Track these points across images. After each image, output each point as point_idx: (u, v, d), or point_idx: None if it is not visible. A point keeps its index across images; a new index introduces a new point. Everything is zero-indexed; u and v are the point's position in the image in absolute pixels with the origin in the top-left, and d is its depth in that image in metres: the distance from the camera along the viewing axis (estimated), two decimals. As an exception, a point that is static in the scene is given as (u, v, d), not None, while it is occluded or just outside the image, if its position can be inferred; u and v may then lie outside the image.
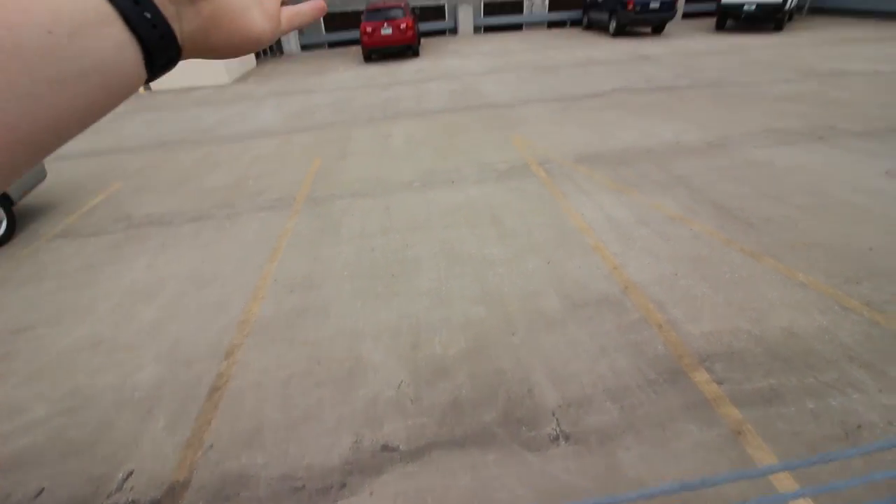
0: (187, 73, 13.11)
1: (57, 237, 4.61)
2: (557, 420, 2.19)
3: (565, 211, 4.13)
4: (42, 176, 5.17)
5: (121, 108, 11.15)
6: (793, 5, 12.75)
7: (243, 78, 13.86)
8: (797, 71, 8.39)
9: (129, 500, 1.99)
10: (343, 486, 1.96)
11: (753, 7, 12.78)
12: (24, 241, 4.60)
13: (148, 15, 0.30)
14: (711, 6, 16.22)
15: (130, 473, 2.11)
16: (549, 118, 6.92)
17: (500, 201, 4.42)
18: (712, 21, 15.51)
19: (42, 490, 2.08)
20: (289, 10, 0.41)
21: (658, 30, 14.57)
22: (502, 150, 5.75)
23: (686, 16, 17.56)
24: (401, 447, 2.11)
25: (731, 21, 14.31)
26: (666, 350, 2.54)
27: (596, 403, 2.26)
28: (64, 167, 6.79)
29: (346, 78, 12.03)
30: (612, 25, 14.86)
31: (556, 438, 2.10)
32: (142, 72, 0.30)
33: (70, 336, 3.07)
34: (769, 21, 13.12)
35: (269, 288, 3.39)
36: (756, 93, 7.24)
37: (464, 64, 12.42)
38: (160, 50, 0.31)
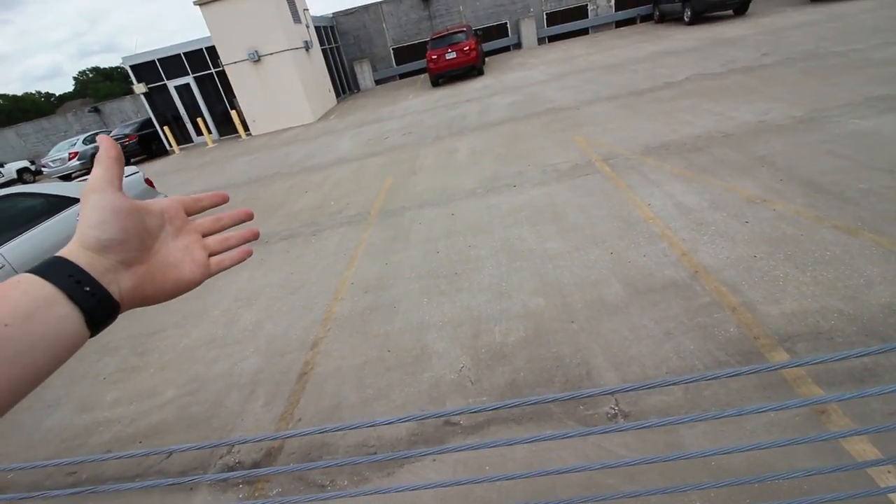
0: (279, 117, 14.84)
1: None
2: (616, 400, 2.17)
3: (631, 202, 4.03)
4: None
5: (229, 153, 12.94)
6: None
7: (326, 115, 15.33)
8: (916, 29, 7.26)
9: (237, 460, 2.36)
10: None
11: (856, -33, 11.31)
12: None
13: (88, 289, 0.34)
14: (804, -25, 14.62)
15: (237, 440, 2.49)
16: (614, 115, 6.76)
17: (562, 199, 4.43)
18: (806, -9, 13.97)
19: (171, 454, 2.55)
20: (218, 257, 0.46)
21: (741, 10, 13.40)
22: (565, 151, 5.74)
23: (774, -10, 16.00)
24: (461, 422, 2.25)
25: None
26: (739, 331, 2.39)
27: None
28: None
29: (415, 104, 12.78)
30: (687, 13, 14.03)
31: (615, 416, 2.09)
32: (84, 331, 0.34)
33: (191, 336, 3.68)
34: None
35: (346, 290, 3.77)
36: (857, 59, 6.41)
37: (527, 75, 12.55)
38: (99, 312, 0.35)
